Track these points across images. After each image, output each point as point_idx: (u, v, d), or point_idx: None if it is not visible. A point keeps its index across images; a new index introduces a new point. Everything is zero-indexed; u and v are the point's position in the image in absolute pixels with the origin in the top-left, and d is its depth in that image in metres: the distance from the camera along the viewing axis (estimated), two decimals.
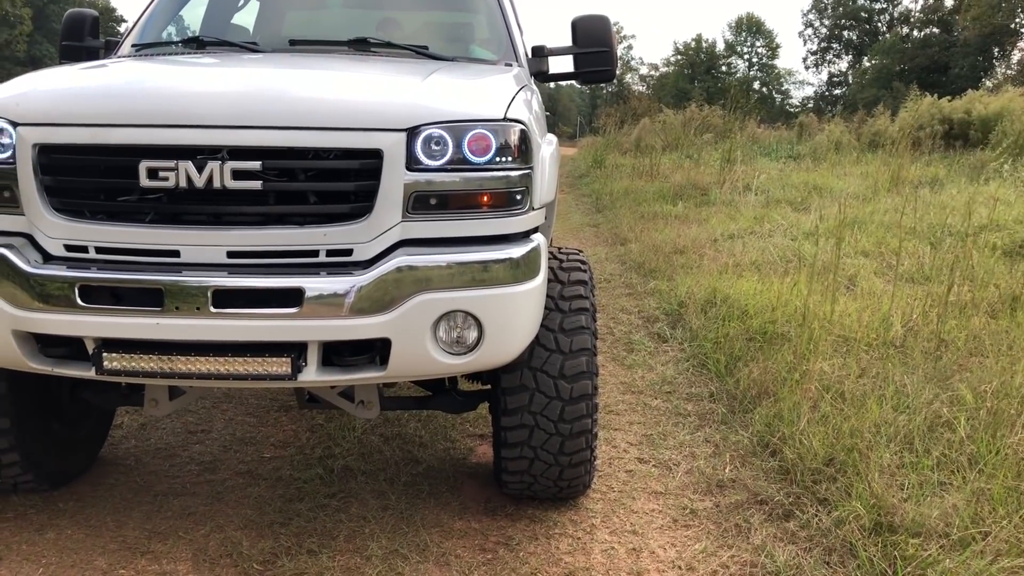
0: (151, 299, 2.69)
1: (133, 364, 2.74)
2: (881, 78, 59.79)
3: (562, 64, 4.48)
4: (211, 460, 4.06)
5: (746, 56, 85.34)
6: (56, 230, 2.79)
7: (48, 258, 2.81)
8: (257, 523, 3.46)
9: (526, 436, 3.32)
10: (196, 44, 4.02)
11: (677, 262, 8.27)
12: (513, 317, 2.93)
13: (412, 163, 2.77)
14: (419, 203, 2.79)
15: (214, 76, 3.43)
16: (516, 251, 2.89)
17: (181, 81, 3.31)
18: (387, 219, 2.77)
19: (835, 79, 78.17)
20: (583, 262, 3.59)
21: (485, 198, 2.86)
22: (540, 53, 4.41)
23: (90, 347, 2.77)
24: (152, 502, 3.64)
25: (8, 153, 2.83)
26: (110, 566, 3.14)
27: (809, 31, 78.12)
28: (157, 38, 4.29)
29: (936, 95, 23.64)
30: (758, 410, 4.47)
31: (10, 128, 2.82)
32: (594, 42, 4.26)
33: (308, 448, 4.22)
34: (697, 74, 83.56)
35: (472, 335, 2.87)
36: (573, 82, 5.36)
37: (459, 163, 2.81)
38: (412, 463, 4.05)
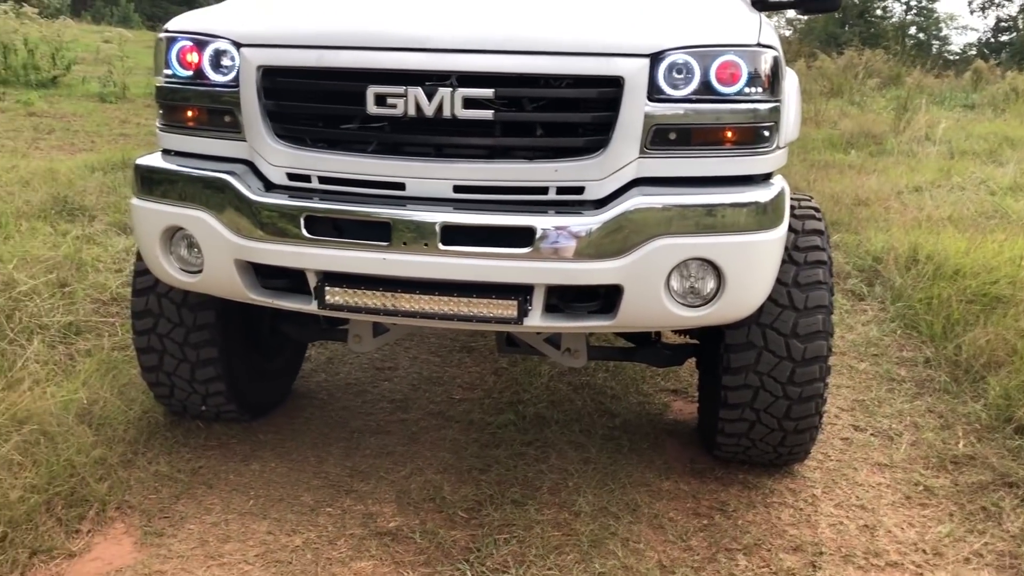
0: (377, 233, 2.55)
1: (356, 300, 2.62)
2: None
3: None
4: (402, 399, 3.98)
5: None
6: (279, 157, 2.68)
7: (270, 186, 2.71)
8: (456, 467, 3.35)
9: (749, 398, 3.05)
10: None
11: (861, 214, 7.69)
12: (756, 268, 2.67)
13: (654, 92, 2.52)
14: (659, 137, 2.54)
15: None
16: (763, 195, 2.61)
17: (410, 3, 3.13)
18: (624, 155, 2.54)
19: (1003, 24, 71.92)
20: (816, 209, 3.25)
21: (730, 133, 2.58)
22: None
23: (312, 281, 2.67)
24: (349, 439, 3.58)
25: (231, 76, 2.73)
26: (317, 503, 3.09)
27: None
28: None
29: None
30: (993, 380, 4.02)
31: (233, 50, 2.72)
32: None
33: (496, 392, 4.09)
34: (849, 18, 78.79)
35: (709, 285, 2.62)
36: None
37: (705, 93, 2.54)
38: (607, 415, 3.85)
